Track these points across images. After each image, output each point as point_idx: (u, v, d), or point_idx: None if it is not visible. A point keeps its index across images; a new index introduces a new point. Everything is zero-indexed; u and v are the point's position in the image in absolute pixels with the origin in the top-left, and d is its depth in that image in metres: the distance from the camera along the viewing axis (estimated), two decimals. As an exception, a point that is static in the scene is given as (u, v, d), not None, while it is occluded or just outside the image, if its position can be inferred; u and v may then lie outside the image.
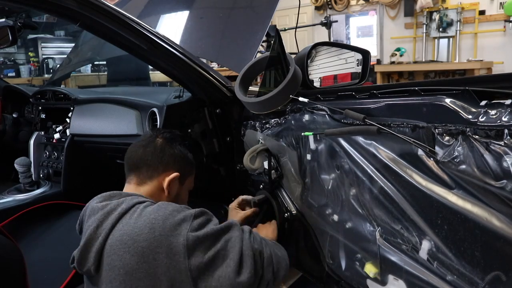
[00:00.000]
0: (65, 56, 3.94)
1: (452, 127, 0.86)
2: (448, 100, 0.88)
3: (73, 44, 3.81)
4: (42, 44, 6.37)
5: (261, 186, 1.63)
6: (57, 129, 2.37)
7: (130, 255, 0.99)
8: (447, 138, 0.87)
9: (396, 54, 6.67)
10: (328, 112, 1.21)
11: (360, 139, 1.11)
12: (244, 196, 1.56)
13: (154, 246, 0.99)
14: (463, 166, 0.84)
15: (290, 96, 1.34)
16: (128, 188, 1.23)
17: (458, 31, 6.31)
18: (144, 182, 1.22)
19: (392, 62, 6.71)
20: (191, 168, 1.33)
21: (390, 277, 1.11)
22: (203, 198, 1.93)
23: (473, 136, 0.82)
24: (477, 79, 0.92)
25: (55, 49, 6.46)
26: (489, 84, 0.86)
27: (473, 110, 0.84)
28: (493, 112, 0.80)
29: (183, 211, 1.06)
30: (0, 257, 1.20)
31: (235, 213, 1.50)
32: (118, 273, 1.00)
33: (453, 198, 0.89)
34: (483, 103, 0.83)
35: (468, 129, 0.83)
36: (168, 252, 0.98)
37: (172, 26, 2.38)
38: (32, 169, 2.28)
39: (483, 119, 0.81)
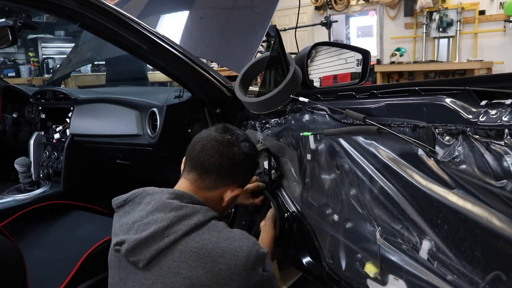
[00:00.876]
0: (65, 56, 3.94)
1: (452, 127, 0.86)
2: (448, 100, 0.88)
3: (73, 44, 3.81)
4: (42, 44, 6.37)
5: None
6: (57, 129, 2.38)
7: (205, 271, 0.98)
8: (447, 138, 0.87)
9: (396, 54, 6.67)
10: (328, 112, 1.21)
11: (360, 139, 1.11)
12: (261, 184, 1.53)
13: (231, 273, 0.99)
14: (464, 166, 0.84)
15: (290, 96, 1.34)
16: (186, 186, 1.16)
17: (458, 31, 6.31)
18: (207, 188, 1.16)
19: (392, 62, 6.71)
20: (250, 179, 1.34)
21: (391, 277, 1.11)
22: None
23: (474, 136, 0.82)
24: (477, 79, 0.92)
25: (55, 49, 6.46)
26: (489, 84, 0.86)
27: (474, 110, 0.84)
28: (493, 112, 0.80)
29: (258, 245, 1.08)
30: (0, 257, 1.20)
31: (246, 197, 1.52)
32: (180, 281, 0.97)
33: (453, 198, 0.89)
34: (483, 103, 0.83)
35: (468, 129, 0.83)
36: (241, 284, 1.01)
37: (172, 26, 2.37)
38: (32, 169, 2.28)
39: (483, 119, 0.81)
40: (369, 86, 1.13)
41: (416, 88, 0.96)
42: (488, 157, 0.80)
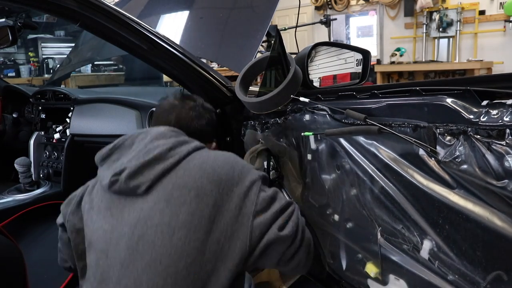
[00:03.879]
0: (65, 56, 3.94)
1: (453, 127, 0.86)
2: (449, 100, 0.88)
3: (73, 44, 3.81)
4: (42, 44, 6.36)
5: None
6: (57, 129, 2.37)
7: (208, 181, 0.99)
8: (448, 138, 0.87)
9: (396, 54, 6.67)
10: (329, 112, 1.21)
11: (361, 139, 1.10)
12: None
13: (231, 184, 1.00)
14: (465, 166, 0.84)
15: (291, 96, 1.34)
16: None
17: (458, 31, 6.31)
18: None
19: (392, 62, 6.71)
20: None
21: (391, 277, 1.11)
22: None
23: (475, 136, 0.82)
24: (478, 79, 0.92)
25: (55, 49, 6.45)
26: (491, 84, 0.86)
27: (475, 110, 0.84)
28: (494, 112, 0.80)
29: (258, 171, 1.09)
30: (0, 257, 1.20)
31: None
32: (185, 193, 0.96)
33: (454, 198, 0.89)
34: (484, 103, 0.83)
35: (469, 129, 0.83)
36: (240, 201, 0.99)
37: (172, 26, 2.37)
38: (32, 169, 2.28)
39: (484, 119, 0.81)
40: (370, 86, 1.13)
41: (417, 88, 0.96)
42: (490, 157, 0.79)
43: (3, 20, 2.02)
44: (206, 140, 1.28)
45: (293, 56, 1.44)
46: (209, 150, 1.12)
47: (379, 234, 1.11)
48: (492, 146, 0.79)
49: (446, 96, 0.89)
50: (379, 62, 6.96)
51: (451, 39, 6.44)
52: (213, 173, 1.00)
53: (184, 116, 1.26)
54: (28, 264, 1.30)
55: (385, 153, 1.04)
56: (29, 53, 6.48)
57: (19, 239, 1.62)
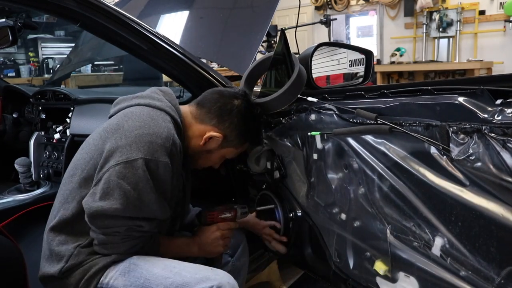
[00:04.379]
0: (65, 56, 3.94)
1: (467, 125, 0.86)
2: (461, 99, 0.89)
3: (73, 44, 3.81)
4: (42, 44, 6.35)
5: (264, 186, 1.63)
6: (57, 129, 2.37)
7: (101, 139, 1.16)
8: (462, 136, 0.88)
9: (396, 54, 6.67)
10: (336, 112, 1.20)
11: (370, 138, 1.10)
12: (232, 224, 1.36)
13: (106, 157, 1.07)
14: (479, 164, 0.85)
15: (298, 95, 1.34)
16: (185, 107, 1.28)
17: (458, 31, 6.31)
18: (196, 117, 1.25)
19: (392, 62, 6.71)
20: (238, 142, 1.30)
21: (401, 274, 1.11)
22: (203, 198, 1.93)
23: (490, 134, 0.82)
24: (490, 78, 0.93)
25: (55, 49, 6.44)
26: (503, 83, 0.86)
27: (489, 108, 0.85)
28: (509, 110, 0.81)
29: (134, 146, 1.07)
30: (0, 257, 1.20)
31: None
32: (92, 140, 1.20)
33: (467, 195, 0.90)
34: (498, 101, 0.83)
35: (484, 127, 0.83)
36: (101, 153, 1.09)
37: (172, 26, 2.37)
38: (32, 169, 2.27)
39: (499, 118, 0.82)
40: (379, 86, 1.14)
41: (429, 88, 0.96)
42: (505, 154, 0.80)
43: (3, 20, 2.01)
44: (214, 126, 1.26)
45: (296, 56, 1.44)
46: (142, 110, 1.15)
47: (388, 232, 1.11)
48: (508, 144, 0.79)
49: (458, 95, 0.89)
50: (379, 62, 6.96)
51: (451, 39, 6.44)
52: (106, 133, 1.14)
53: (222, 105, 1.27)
54: (28, 264, 1.30)
55: (396, 152, 1.04)
56: (29, 53, 6.47)
57: (19, 239, 1.62)
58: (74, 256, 1.11)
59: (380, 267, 1.16)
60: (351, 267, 1.29)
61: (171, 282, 1.05)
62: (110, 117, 1.24)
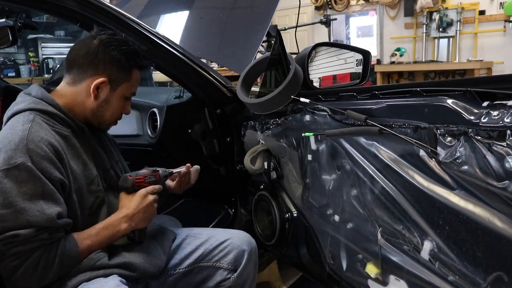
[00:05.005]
0: (65, 56, 3.93)
1: (454, 128, 0.86)
2: (450, 101, 0.88)
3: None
4: (42, 44, 6.35)
5: (262, 186, 1.63)
6: (57, 129, 2.36)
7: None
8: (449, 138, 0.87)
9: (396, 54, 6.66)
10: (329, 113, 1.21)
11: (362, 139, 1.10)
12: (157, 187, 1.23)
13: None
14: (465, 167, 0.84)
15: (292, 96, 1.34)
16: (61, 85, 1.21)
17: (458, 31, 6.30)
18: (73, 83, 1.18)
19: (392, 62, 6.70)
20: (125, 75, 1.21)
21: (392, 277, 1.11)
22: (203, 198, 1.93)
23: (475, 137, 0.82)
24: (479, 80, 0.92)
25: (55, 49, 6.44)
26: (491, 85, 0.86)
27: (475, 111, 0.84)
28: (495, 113, 0.80)
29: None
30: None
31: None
32: None
33: (455, 199, 0.89)
34: (485, 104, 0.83)
35: (470, 130, 0.83)
36: None
37: (172, 26, 2.37)
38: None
39: (485, 120, 0.81)
40: (370, 87, 1.14)
41: (418, 89, 0.96)
42: (490, 158, 0.79)
43: (3, 20, 2.01)
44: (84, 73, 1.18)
45: (293, 56, 1.44)
46: (7, 126, 1.09)
47: (379, 234, 1.11)
48: (493, 147, 0.79)
49: (446, 97, 0.89)
50: (379, 62, 6.95)
51: (451, 39, 6.43)
52: None
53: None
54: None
55: (386, 154, 1.04)
56: (29, 53, 6.47)
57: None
58: None
59: (371, 269, 1.16)
60: (344, 269, 1.29)
61: None
62: None
